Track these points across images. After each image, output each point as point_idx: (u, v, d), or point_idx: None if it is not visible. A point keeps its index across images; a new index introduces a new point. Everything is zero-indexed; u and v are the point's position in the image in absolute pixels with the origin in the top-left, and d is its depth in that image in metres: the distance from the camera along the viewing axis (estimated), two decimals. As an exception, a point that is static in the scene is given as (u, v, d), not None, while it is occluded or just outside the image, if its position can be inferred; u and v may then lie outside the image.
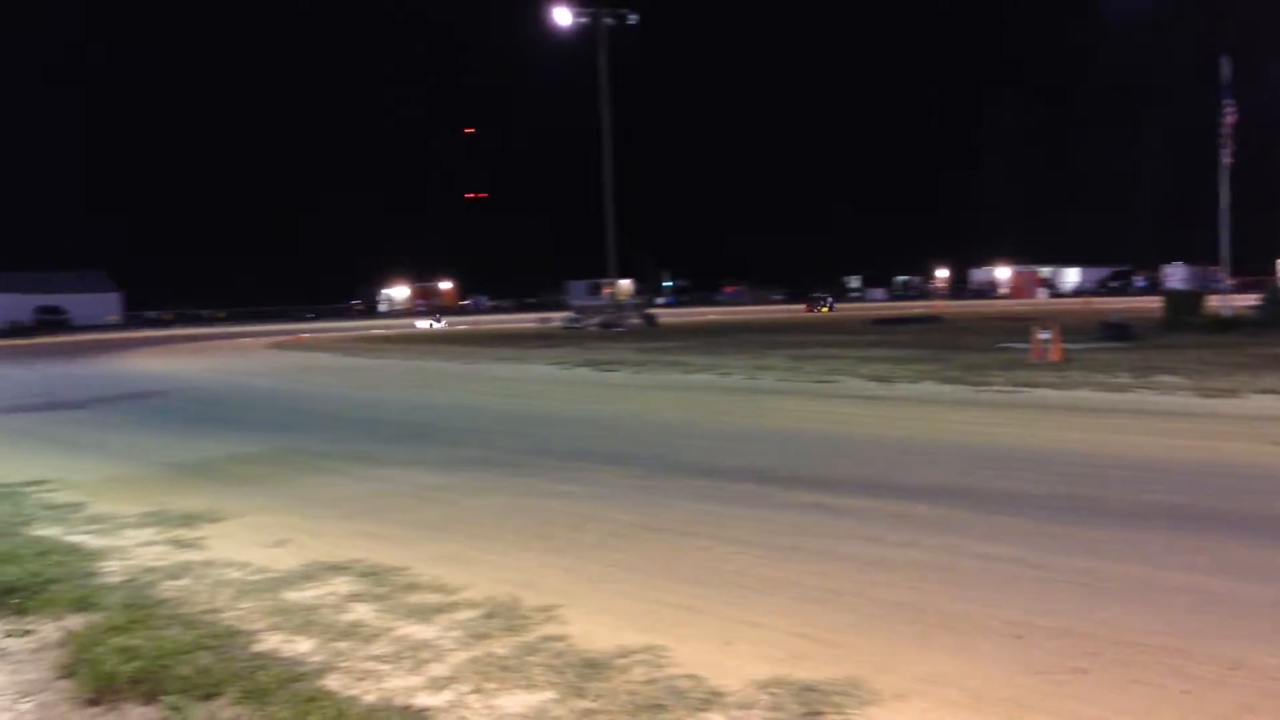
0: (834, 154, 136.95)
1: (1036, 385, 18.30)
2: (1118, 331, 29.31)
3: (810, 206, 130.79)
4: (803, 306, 78.18)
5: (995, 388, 18.43)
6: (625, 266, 64.31)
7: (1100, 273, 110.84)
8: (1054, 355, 22.69)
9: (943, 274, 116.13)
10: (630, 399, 20.22)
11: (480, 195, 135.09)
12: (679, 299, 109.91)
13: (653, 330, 49.48)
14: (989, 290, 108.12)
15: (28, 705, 5.31)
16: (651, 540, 8.39)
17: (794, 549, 7.92)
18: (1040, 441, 12.85)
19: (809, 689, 5.09)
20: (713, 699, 5.02)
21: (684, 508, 9.58)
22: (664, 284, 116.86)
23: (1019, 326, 33.66)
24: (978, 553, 7.62)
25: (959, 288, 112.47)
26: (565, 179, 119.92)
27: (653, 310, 63.55)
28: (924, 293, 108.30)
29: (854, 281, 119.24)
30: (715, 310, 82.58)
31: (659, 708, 4.93)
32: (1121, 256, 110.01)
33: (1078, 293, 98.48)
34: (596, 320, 54.24)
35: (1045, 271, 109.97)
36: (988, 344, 29.26)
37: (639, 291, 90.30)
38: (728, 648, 5.78)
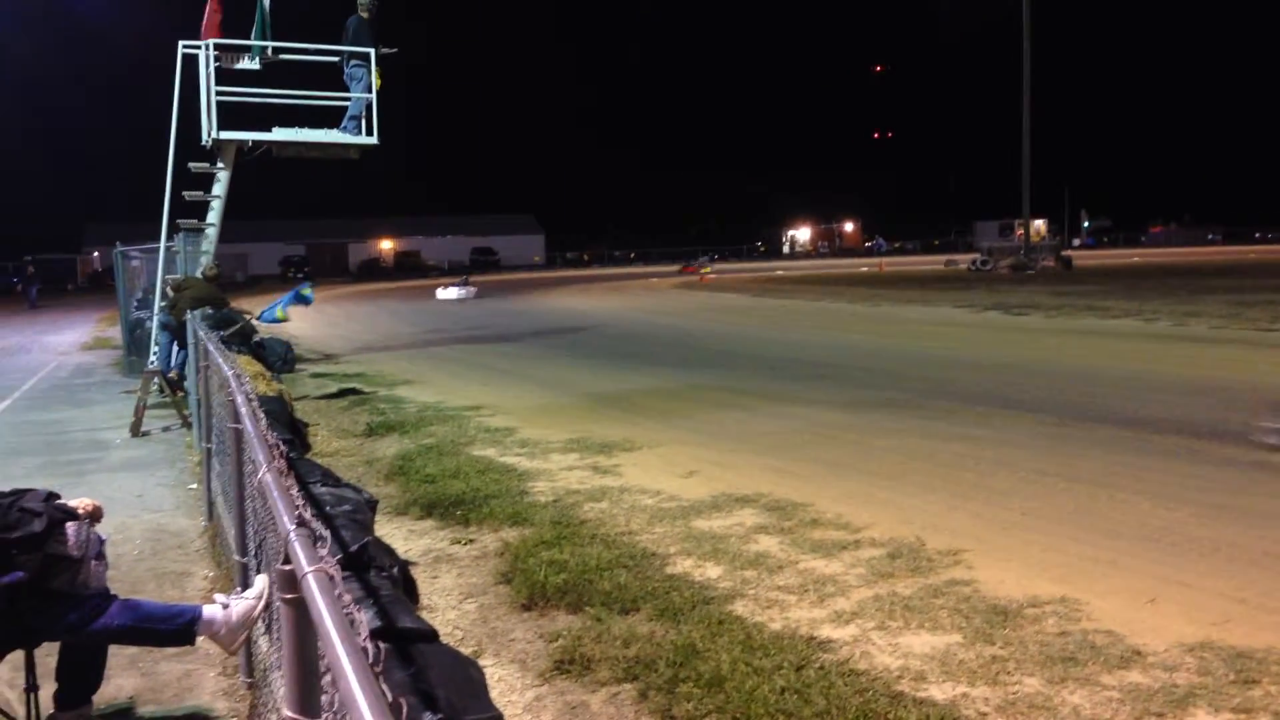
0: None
1: None
2: None
3: (1256, 141, 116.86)
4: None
5: None
6: (1039, 206, 61.04)
7: None
8: None
9: None
10: (1042, 344, 19.29)
11: (887, 134, 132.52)
12: (1098, 240, 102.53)
13: (1068, 273, 46.82)
14: None
15: (471, 605, 5.91)
16: (1065, 490, 8.01)
17: (1229, 508, 7.30)
18: None
19: (1243, 655, 4.71)
20: (1133, 657, 4.75)
21: (1101, 458, 9.07)
22: (1082, 224, 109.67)
23: None
24: None
25: None
26: (977, 113, 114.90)
27: (1068, 252, 59.90)
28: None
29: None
30: (1139, 252, 76.54)
31: (1072, 661, 4.73)
32: None
33: None
34: (1006, 262, 51.96)
35: None
36: None
37: (1053, 232, 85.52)
38: (1150, 606, 5.44)
